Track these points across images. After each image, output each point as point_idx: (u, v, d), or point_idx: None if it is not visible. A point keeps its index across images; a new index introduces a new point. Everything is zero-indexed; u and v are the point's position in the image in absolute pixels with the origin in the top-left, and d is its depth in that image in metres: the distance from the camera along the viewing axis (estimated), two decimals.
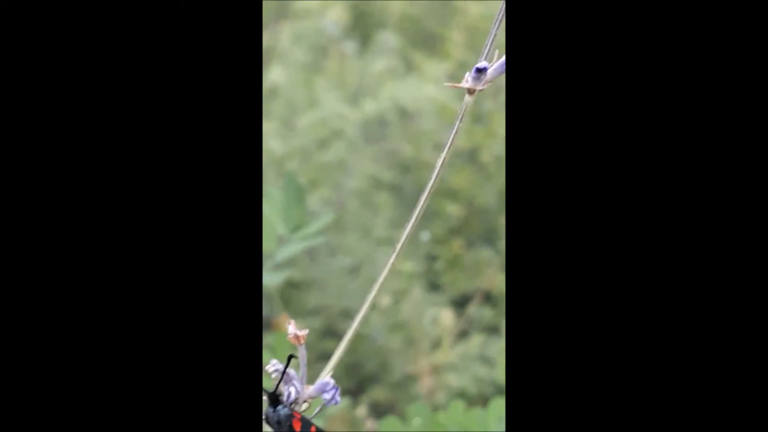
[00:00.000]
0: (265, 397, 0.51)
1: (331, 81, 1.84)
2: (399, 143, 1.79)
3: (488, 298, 1.71)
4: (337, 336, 1.70)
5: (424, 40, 1.88)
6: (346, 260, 1.76)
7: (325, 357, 1.52)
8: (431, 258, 1.72)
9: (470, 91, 0.52)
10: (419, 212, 0.54)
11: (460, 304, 1.72)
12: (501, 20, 0.53)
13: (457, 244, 1.68)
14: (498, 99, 1.74)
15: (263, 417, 0.52)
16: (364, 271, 1.75)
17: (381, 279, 0.55)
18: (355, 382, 1.66)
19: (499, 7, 0.53)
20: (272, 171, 1.76)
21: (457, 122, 0.53)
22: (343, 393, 1.75)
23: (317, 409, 0.53)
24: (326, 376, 0.52)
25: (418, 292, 1.66)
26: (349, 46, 1.88)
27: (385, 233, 1.78)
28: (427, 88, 1.76)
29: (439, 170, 0.56)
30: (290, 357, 0.50)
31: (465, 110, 0.53)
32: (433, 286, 1.74)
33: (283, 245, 0.93)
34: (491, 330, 1.69)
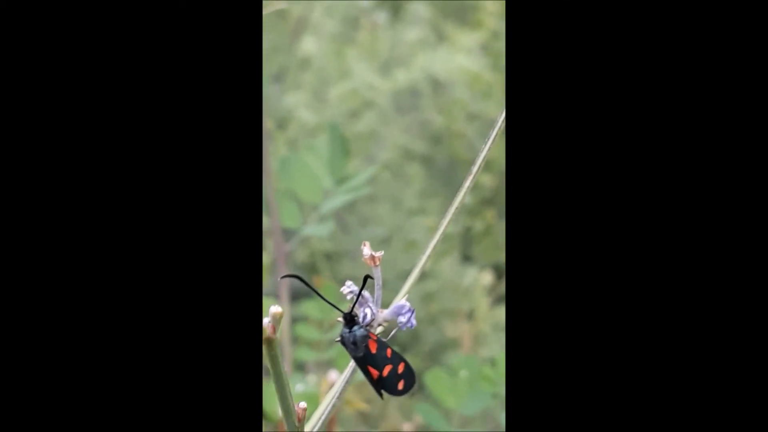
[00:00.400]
0: (340, 319, 0.51)
1: (363, 52, 1.83)
2: (430, 114, 1.78)
3: None
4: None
5: (456, 11, 1.87)
6: (377, 231, 1.75)
7: None
8: (465, 228, 1.71)
9: None
10: (467, 190, 0.53)
11: (494, 275, 1.72)
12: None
13: (490, 214, 1.67)
14: None
15: (338, 338, 0.51)
16: (395, 242, 1.74)
17: (430, 249, 0.54)
18: None
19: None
20: (304, 142, 1.75)
21: (489, 141, 0.53)
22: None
23: (392, 332, 0.52)
24: (402, 299, 0.51)
25: (450, 262, 1.66)
26: (381, 17, 1.87)
27: (416, 204, 1.77)
28: (458, 58, 1.75)
29: (476, 174, 0.55)
30: (366, 277, 0.49)
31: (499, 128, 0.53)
32: (466, 258, 1.73)
33: (328, 198, 0.93)
34: None
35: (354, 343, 0.50)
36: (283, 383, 0.44)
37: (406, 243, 1.65)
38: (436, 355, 1.64)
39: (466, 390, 0.89)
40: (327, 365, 0.93)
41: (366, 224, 1.77)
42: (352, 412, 1.24)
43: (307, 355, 0.92)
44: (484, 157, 0.55)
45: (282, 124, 1.84)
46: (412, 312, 0.51)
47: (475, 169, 0.55)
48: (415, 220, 1.76)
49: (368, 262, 0.51)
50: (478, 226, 1.68)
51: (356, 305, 0.51)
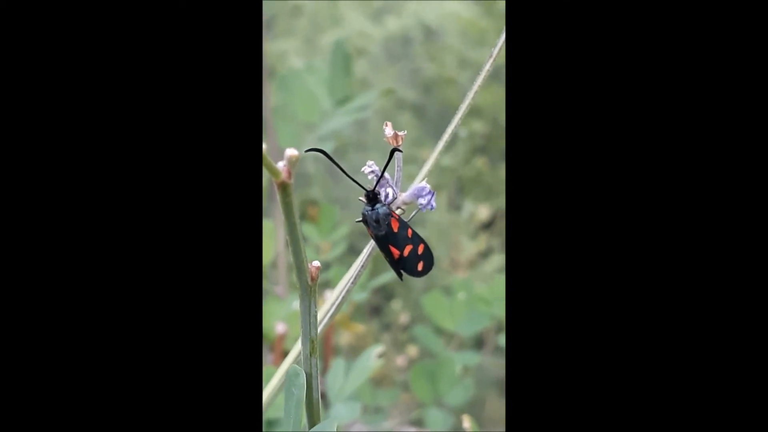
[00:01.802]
0: (361, 198, 0.50)
1: None
2: (422, 62, 1.77)
3: None
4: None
5: None
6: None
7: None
8: (456, 175, 1.70)
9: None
10: (454, 128, 0.52)
11: (484, 225, 1.71)
12: None
13: (481, 161, 1.66)
14: None
15: (360, 218, 0.50)
16: None
17: (425, 170, 0.53)
18: (377, 298, 1.65)
19: None
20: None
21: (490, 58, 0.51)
22: (367, 310, 1.75)
23: (413, 213, 0.51)
24: (422, 182, 0.50)
25: (441, 209, 1.65)
26: None
27: (407, 152, 1.76)
28: (451, 4, 1.74)
29: (475, 93, 0.54)
30: (393, 151, 0.48)
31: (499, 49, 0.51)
32: (456, 206, 1.73)
33: (328, 118, 0.91)
34: None
35: (377, 221, 0.49)
36: (297, 236, 0.43)
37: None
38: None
39: (463, 311, 0.88)
40: (324, 286, 0.92)
41: (356, 172, 1.76)
42: (346, 340, 1.23)
43: None
44: (471, 99, 0.54)
45: (273, 71, 1.82)
46: (433, 194, 0.50)
47: (462, 107, 0.54)
48: (406, 169, 1.75)
49: (390, 141, 0.50)
50: (469, 173, 1.68)
51: (378, 185, 0.50)
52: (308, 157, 1.05)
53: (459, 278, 0.91)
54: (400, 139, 0.49)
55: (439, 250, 1.65)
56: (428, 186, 0.50)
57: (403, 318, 1.25)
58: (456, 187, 1.70)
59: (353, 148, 1.77)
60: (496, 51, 0.54)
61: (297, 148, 0.94)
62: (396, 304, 1.41)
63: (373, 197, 0.49)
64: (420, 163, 1.79)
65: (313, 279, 0.45)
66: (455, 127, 0.55)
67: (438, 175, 1.55)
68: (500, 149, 1.71)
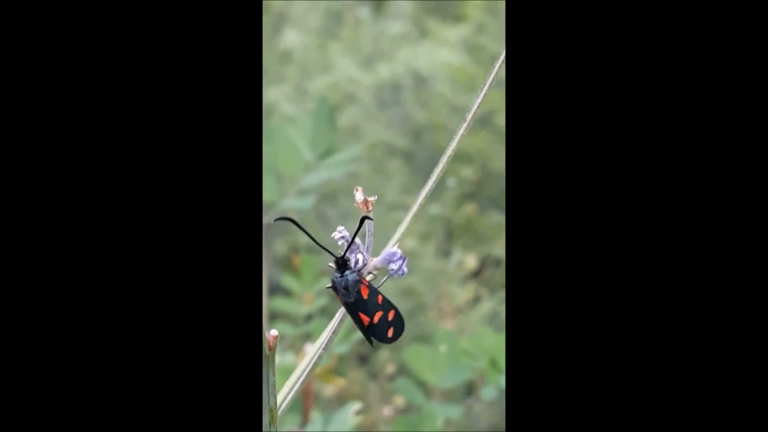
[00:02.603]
0: (331, 264, 0.49)
1: (345, 46, 1.83)
2: (412, 108, 1.78)
3: (499, 263, 1.70)
4: None
5: (438, 6, 1.87)
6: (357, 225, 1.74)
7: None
8: (445, 222, 1.71)
9: None
10: (441, 171, 0.52)
11: (473, 273, 1.71)
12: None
13: (470, 208, 1.67)
14: None
15: (330, 284, 0.50)
16: (375, 237, 1.73)
17: (405, 223, 0.53)
18: (366, 345, 1.64)
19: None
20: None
21: (490, 78, 0.52)
22: (354, 358, 1.74)
23: (384, 279, 0.51)
24: (393, 247, 0.50)
25: (429, 257, 1.65)
26: (363, 11, 1.87)
27: (397, 199, 1.77)
28: (441, 52, 1.75)
29: (462, 135, 0.54)
30: (363, 219, 0.48)
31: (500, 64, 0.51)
32: (445, 252, 1.73)
33: (310, 172, 0.91)
34: (502, 297, 1.68)
35: (346, 287, 0.49)
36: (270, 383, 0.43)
37: (386, 239, 1.64)
38: None
39: (445, 364, 0.88)
40: (305, 339, 0.92)
41: (345, 218, 1.76)
42: (332, 391, 1.23)
43: (285, 330, 0.91)
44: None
45: (264, 117, 1.82)
46: (404, 259, 0.50)
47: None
48: (396, 215, 1.75)
49: (361, 207, 0.49)
50: (459, 219, 1.68)
51: (348, 251, 0.49)
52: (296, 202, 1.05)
53: (443, 330, 0.91)
54: (370, 204, 0.49)
55: (428, 297, 1.65)
56: (399, 251, 0.50)
57: (390, 368, 1.25)
58: (445, 233, 1.70)
59: (343, 194, 1.77)
60: (481, 95, 0.54)
61: (280, 200, 0.95)
62: (383, 354, 1.41)
63: (342, 264, 0.49)
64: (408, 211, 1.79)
65: (270, 348, 0.45)
66: (439, 173, 0.55)
67: (426, 223, 1.56)
68: (489, 195, 1.72)
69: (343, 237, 0.50)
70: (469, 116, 0.54)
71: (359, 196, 0.50)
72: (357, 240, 0.50)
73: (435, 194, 1.69)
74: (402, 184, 1.78)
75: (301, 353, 0.87)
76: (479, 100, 0.54)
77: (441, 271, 1.64)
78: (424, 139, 1.79)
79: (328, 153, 0.91)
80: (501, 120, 1.67)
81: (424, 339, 1.67)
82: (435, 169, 0.54)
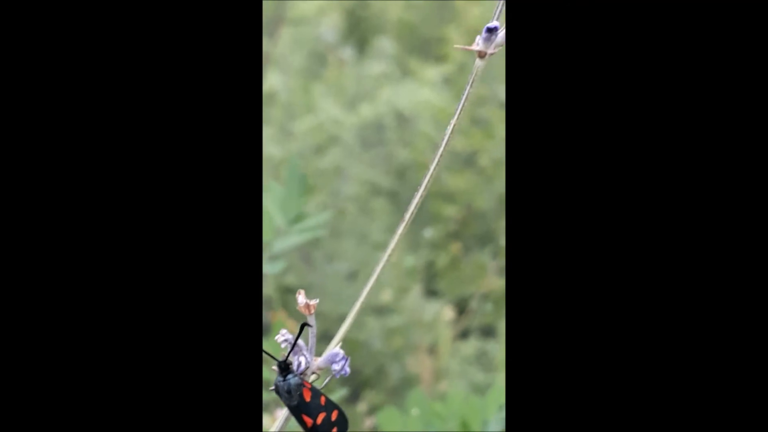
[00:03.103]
0: (274, 367, 0.51)
1: (329, 87, 1.84)
2: (396, 148, 1.79)
3: (486, 301, 1.70)
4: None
5: (421, 46, 1.88)
6: (342, 266, 1.75)
7: None
8: (429, 262, 1.71)
9: (481, 55, 0.51)
10: (415, 207, 0.53)
11: (459, 309, 1.72)
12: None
13: (455, 247, 1.68)
14: (496, 102, 1.74)
15: (273, 387, 0.51)
16: (361, 277, 1.74)
17: (376, 272, 0.54)
18: (352, 387, 1.65)
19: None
20: (269, 175, 1.75)
21: (468, 87, 0.52)
22: (339, 399, 1.74)
23: (326, 380, 0.52)
24: (335, 347, 0.51)
25: (416, 294, 1.66)
26: (346, 52, 1.88)
27: (382, 238, 1.77)
28: (423, 92, 1.77)
29: (441, 156, 0.55)
30: (303, 326, 0.50)
31: (476, 75, 0.52)
32: (431, 292, 1.73)
33: (280, 237, 0.92)
34: (488, 333, 1.68)
35: (288, 391, 0.50)
36: None
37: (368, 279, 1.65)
38: (401, 390, 1.63)
39: (418, 427, 0.89)
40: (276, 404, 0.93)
41: (331, 259, 1.77)
42: None
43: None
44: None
45: None
46: (346, 360, 0.51)
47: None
48: (381, 255, 1.75)
49: (303, 310, 0.51)
50: (443, 259, 1.69)
51: (291, 353, 0.51)
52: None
53: (416, 392, 0.92)
54: (312, 308, 0.51)
55: (414, 336, 1.65)
56: (342, 352, 0.51)
57: (369, 422, 1.25)
58: (428, 274, 1.71)
59: (329, 235, 1.78)
60: (449, 130, 0.54)
61: None
62: (362, 406, 1.41)
63: (285, 368, 0.50)
64: (393, 250, 1.79)
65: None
66: (410, 216, 0.57)
67: (404, 277, 1.56)
68: (473, 234, 1.72)
69: (286, 340, 0.51)
70: (440, 150, 0.54)
71: (301, 299, 0.51)
72: (300, 342, 0.51)
73: (413, 244, 1.70)
74: (387, 223, 1.78)
75: (271, 418, 0.88)
76: (449, 131, 0.54)
77: (424, 310, 1.65)
78: (408, 178, 1.80)
79: (298, 218, 0.92)
80: (484, 160, 1.68)
81: (410, 380, 1.67)
82: (400, 223, 0.55)
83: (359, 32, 1.92)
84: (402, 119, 1.78)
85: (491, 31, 0.50)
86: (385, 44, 1.85)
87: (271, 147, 1.80)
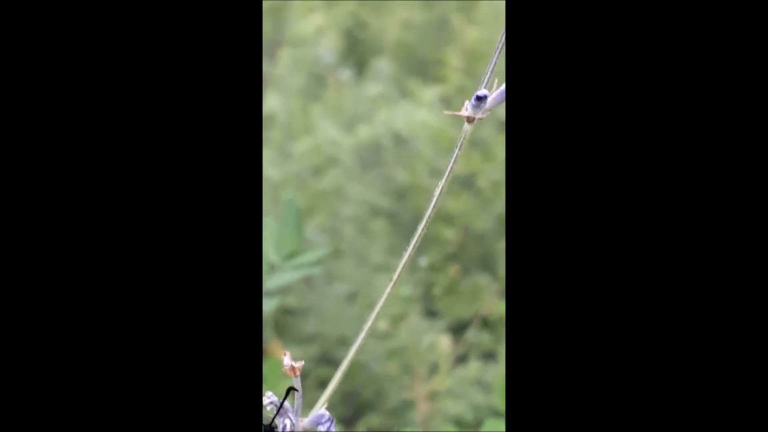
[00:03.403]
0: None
1: (327, 108, 1.85)
2: (394, 169, 1.79)
3: (485, 323, 1.70)
4: (334, 363, 1.69)
5: (418, 67, 1.88)
6: (342, 287, 1.75)
7: (322, 385, 1.52)
8: (428, 284, 1.71)
9: (469, 120, 0.52)
10: (417, 241, 0.54)
11: (457, 330, 1.71)
12: (501, 48, 0.52)
13: (453, 269, 1.68)
14: (495, 124, 1.74)
15: None
16: (360, 298, 1.74)
17: (378, 308, 0.55)
18: (352, 409, 1.65)
19: (499, 34, 0.53)
20: (268, 198, 1.76)
21: (457, 150, 0.53)
22: (339, 420, 1.74)
23: None
24: (321, 408, 0.52)
25: (414, 318, 1.66)
26: (345, 73, 1.88)
27: (382, 260, 1.77)
28: (421, 113, 1.77)
29: (438, 198, 0.56)
30: (289, 390, 0.50)
31: (464, 138, 0.53)
32: (430, 313, 1.73)
33: (274, 273, 0.92)
34: (488, 356, 1.68)
35: None
36: None
37: (370, 302, 1.65)
38: (401, 412, 1.63)
39: None
40: None
41: (331, 280, 1.77)
42: None
43: None
44: (448, 175, 0.56)
45: None
46: (332, 421, 0.51)
47: (437, 191, 0.55)
48: (381, 276, 1.75)
49: (288, 372, 0.51)
50: (442, 282, 1.69)
51: (277, 415, 0.51)
52: None
53: (408, 429, 0.92)
54: (297, 371, 0.51)
55: (414, 357, 1.65)
56: (327, 413, 0.51)
57: None
58: (427, 296, 1.71)
59: (328, 257, 1.78)
60: (453, 157, 0.55)
61: None
62: (360, 427, 1.41)
63: (270, 431, 0.51)
64: (393, 271, 1.79)
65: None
66: (410, 253, 0.57)
67: (400, 305, 1.56)
68: (472, 257, 1.72)
69: (271, 402, 0.51)
70: (442, 182, 0.55)
71: (287, 362, 0.51)
72: (286, 404, 0.51)
73: (412, 265, 1.70)
74: (386, 244, 1.78)
75: None
76: (450, 165, 0.55)
77: (423, 333, 1.65)
78: (407, 199, 1.80)
79: (293, 254, 0.92)
80: (482, 182, 1.68)
81: (410, 402, 1.67)
82: (404, 254, 0.56)
83: (357, 53, 1.92)
84: (400, 140, 1.78)
85: (480, 99, 0.51)
86: (383, 65, 1.85)
87: (270, 169, 1.80)
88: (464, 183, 1.71)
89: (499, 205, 1.65)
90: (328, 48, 1.87)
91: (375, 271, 1.76)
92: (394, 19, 1.86)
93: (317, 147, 1.81)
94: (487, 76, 0.52)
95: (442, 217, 1.70)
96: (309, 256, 0.92)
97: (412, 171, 1.78)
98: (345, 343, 1.70)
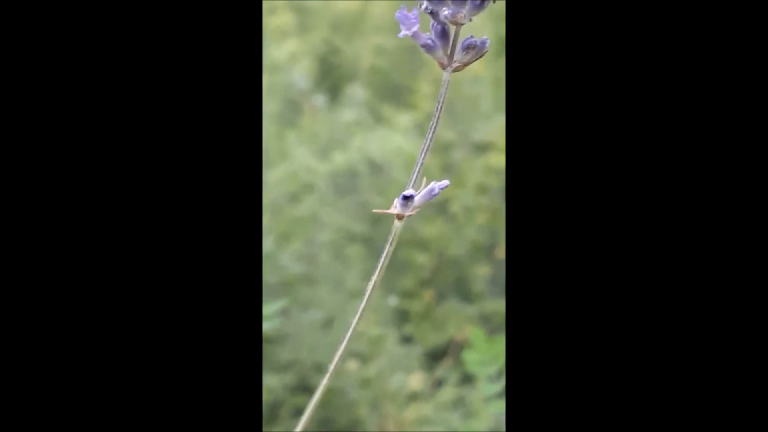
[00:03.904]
0: None
1: (302, 134, 1.85)
2: (369, 195, 1.79)
3: (462, 348, 1.70)
4: (310, 391, 1.69)
5: (392, 92, 1.89)
6: (318, 314, 1.75)
7: (298, 412, 1.51)
8: (402, 312, 1.71)
9: (399, 217, 0.54)
10: (381, 268, 0.55)
11: (433, 356, 1.71)
12: (427, 150, 0.54)
13: (428, 294, 1.67)
14: (468, 149, 1.74)
15: None
16: (336, 325, 1.74)
17: (347, 337, 0.56)
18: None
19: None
20: None
21: (387, 246, 0.55)
22: None
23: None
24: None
25: (390, 345, 1.65)
26: (319, 99, 1.89)
27: (358, 285, 1.77)
28: (395, 139, 1.77)
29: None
30: None
31: (395, 234, 0.54)
32: (406, 339, 1.73)
33: None
34: (466, 380, 1.68)
35: None
36: None
37: (347, 326, 1.65)
38: None
39: None
40: None
41: (307, 307, 1.76)
42: None
43: None
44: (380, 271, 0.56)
45: None
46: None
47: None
48: (357, 302, 1.75)
49: None
50: (417, 307, 1.68)
51: None
52: None
53: None
54: None
55: (390, 385, 1.65)
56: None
57: None
58: (401, 320, 1.71)
59: (303, 283, 1.78)
60: (384, 254, 0.56)
61: None
62: None
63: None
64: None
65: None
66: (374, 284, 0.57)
67: (368, 344, 1.56)
68: (446, 282, 1.72)
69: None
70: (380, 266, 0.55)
71: None
72: None
73: (388, 291, 1.70)
74: (362, 270, 1.78)
75: None
76: (381, 263, 0.55)
77: (401, 356, 1.64)
78: (382, 225, 1.80)
79: None
80: (456, 207, 1.68)
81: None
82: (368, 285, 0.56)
83: (331, 79, 1.93)
84: (375, 166, 1.79)
85: (407, 198, 0.53)
86: (357, 91, 1.86)
87: None
88: (437, 208, 1.71)
89: (472, 231, 1.65)
90: (302, 74, 1.87)
91: (351, 297, 1.76)
92: (367, 44, 1.87)
93: (293, 174, 1.81)
94: (415, 175, 0.54)
95: (415, 242, 1.70)
96: (269, 308, 0.92)
97: (387, 197, 1.78)
98: (321, 370, 1.69)
